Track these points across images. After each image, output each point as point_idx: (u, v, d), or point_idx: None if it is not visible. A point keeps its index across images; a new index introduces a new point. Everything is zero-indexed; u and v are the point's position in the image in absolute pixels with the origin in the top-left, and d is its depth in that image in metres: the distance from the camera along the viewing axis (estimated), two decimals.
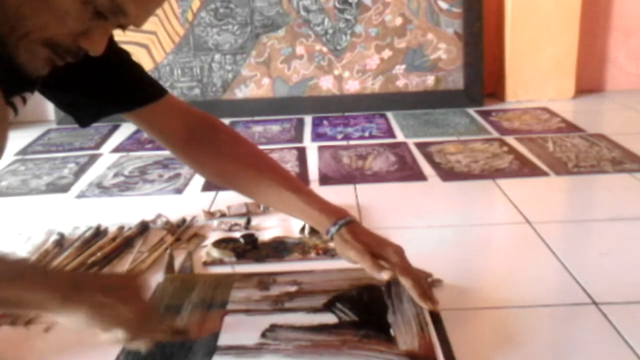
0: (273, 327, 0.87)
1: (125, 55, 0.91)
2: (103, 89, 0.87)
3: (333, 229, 0.91)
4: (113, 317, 0.68)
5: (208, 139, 0.96)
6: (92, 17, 0.66)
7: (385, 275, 0.87)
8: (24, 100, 0.81)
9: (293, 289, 0.98)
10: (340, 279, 0.99)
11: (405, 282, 0.88)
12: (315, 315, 0.90)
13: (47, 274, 0.72)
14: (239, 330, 0.87)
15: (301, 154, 1.80)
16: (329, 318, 0.89)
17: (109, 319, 0.68)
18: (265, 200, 1.02)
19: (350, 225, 0.91)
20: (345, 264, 0.96)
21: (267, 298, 0.96)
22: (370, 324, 0.86)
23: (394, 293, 0.94)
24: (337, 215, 0.92)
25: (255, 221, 1.28)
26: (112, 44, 0.89)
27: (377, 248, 0.90)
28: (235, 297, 0.96)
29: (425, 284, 0.94)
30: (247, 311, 0.92)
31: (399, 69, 2.28)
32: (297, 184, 0.97)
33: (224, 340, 0.85)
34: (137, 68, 0.92)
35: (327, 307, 0.92)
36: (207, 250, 1.14)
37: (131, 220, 1.28)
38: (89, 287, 0.69)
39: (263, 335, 0.85)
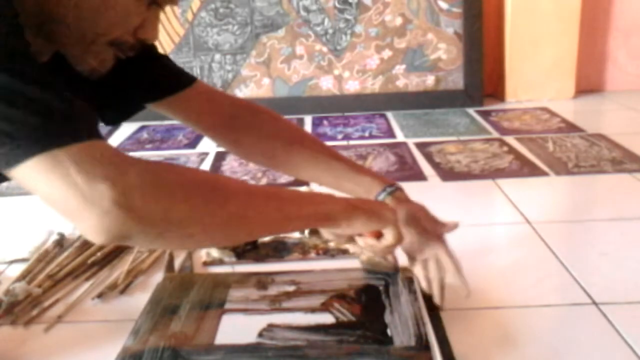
0: (270, 327, 0.87)
1: (152, 47, 0.91)
2: (134, 80, 0.88)
3: (387, 190, 0.93)
4: (383, 218, 0.80)
5: (249, 120, 0.97)
6: (148, 8, 0.70)
7: (452, 225, 0.94)
8: None
9: (291, 288, 0.98)
10: (339, 279, 0.99)
11: (447, 263, 0.90)
12: (312, 315, 0.90)
13: (323, 194, 0.80)
14: (236, 329, 0.87)
15: None
16: (327, 318, 0.89)
17: (381, 220, 0.80)
18: (312, 174, 1.00)
19: (401, 191, 0.94)
20: (345, 264, 0.96)
21: (265, 298, 0.96)
22: (367, 324, 0.86)
23: (392, 293, 0.94)
24: (387, 182, 0.94)
25: None
26: None
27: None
28: (233, 296, 0.96)
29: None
30: (244, 311, 0.92)
31: (399, 69, 2.28)
32: (341, 155, 0.99)
33: (220, 339, 0.85)
34: (164, 58, 0.94)
35: (325, 307, 0.92)
36: (207, 250, 1.14)
37: None
38: (358, 201, 0.82)
39: (260, 335, 0.85)
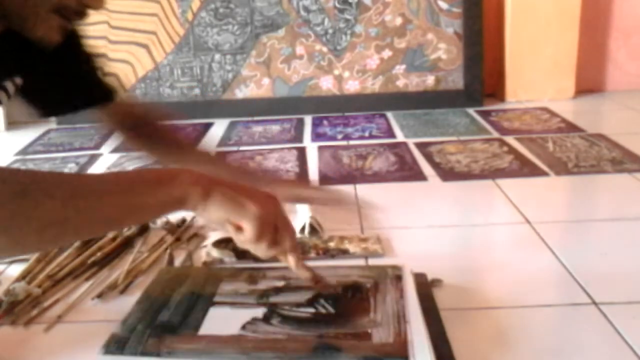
0: (254, 320, 0.89)
1: (87, 56, 0.96)
2: (55, 84, 0.94)
3: None
4: (241, 211, 0.74)
5: (151, 132, 1.09)
6: None
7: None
8: (15, 85, 0.84)
9: (280, 284, 0.99)
10: (328, 276, 1.00)
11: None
12: (297, 310, 0.92)
13: (184, 172, 0.74)
14: (221, 321, 0.89)
15: (301, 154, 1.80)
16: (310, 313, 0.91)
17: (239, 211, 0.74)
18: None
19: None
20: (338, 261, 0.96)
21: (253, 292, 0.97)
22: (348, 321, 0.88)
23: (378, 291, 0.95)
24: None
25: None
26: (80, 41, 0.92)
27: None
28: (224, 289, 0.98)
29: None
30: (232, 304, 0.94)
31: (399, 69, 2.28)
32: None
33: (205, 330, 0.87)
34: (92, 70, 0.99)
35: (310, 303, 0.93)
36: (207, 250, 1.14)
37: None
38: (222, 183, 0.75)
39: (243, 327, 0.87)
